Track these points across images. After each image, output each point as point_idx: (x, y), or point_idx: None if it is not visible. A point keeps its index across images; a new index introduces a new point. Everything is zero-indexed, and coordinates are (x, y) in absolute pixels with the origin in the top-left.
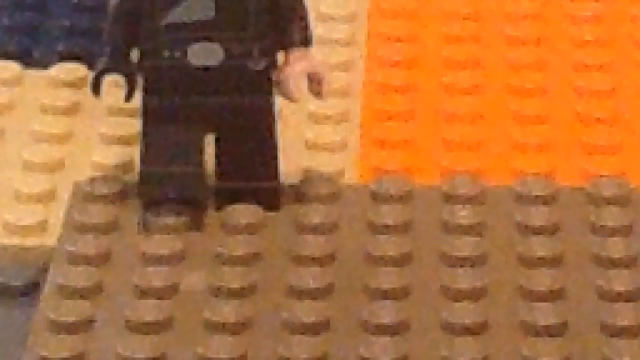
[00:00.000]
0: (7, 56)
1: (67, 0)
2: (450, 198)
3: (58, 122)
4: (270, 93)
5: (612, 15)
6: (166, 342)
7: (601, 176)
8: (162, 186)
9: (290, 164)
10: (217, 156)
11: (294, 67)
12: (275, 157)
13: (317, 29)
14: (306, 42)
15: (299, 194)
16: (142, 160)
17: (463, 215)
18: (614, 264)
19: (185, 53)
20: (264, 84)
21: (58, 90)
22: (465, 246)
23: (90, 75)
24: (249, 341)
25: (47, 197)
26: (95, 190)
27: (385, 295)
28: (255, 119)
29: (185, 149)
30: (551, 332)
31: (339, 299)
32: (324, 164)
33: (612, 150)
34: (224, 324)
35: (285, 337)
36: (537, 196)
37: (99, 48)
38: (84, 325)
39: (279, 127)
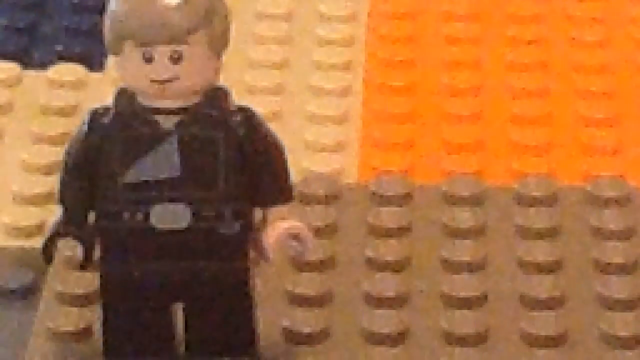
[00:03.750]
0: (6, 56)
1: (66, 1)
2: (450, 199)
3: (57, 123)
4: (245, 259)
5: (612, 16)
6: None
7: (601, 177)
8: None
9: (290, 164)
10: (186, 328)
11: (274, 229)
12: (253, 333)
13: (317, 29)
14: (286, 198)
15: (299, 194)
16: (105, 341)
17: (463, 217)
18: (614, 270)
19: (148, 215)
20: (238, 250)
21: (57, 91)
22: (465, 250)
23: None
24: None
25: (46, 198)
26: None
27: (383, 302)
28: (229, 289)
29: (152, 325)
30: (551, 342)
31: (337, 305)
32: (323, 164)
33: (612, 151)
34: None
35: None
36: (537, 197)
37: (99, 48)
38: (84, 333)
39: (258, 292)
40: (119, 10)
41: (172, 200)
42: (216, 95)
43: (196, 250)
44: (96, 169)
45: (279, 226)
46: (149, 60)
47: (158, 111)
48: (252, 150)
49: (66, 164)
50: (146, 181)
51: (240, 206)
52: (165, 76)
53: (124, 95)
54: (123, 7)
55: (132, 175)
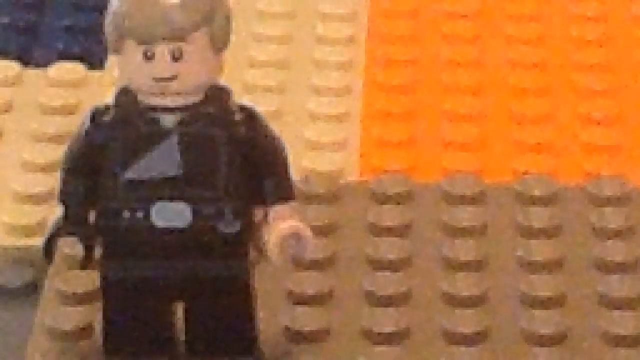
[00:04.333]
0: (6, 55)
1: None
2: (450, 198)
3: (57, 121)
4: (246, 258)
5: (612, 15)
6: None
7: (602, 176)
8: None
9: (291, 162)
10: (186, 327)
11: (276, 229)
12: (253, 333)
13: (317, 28)
14: (287, 197)
15: (299, 193)
16: (105, 341)
17: (463, 216)
18: (615, 268)
19: (148, 214)
20: (238, 249)
21: (57, 90)
22: (465, 249)
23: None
24: None
25: (46, 197)
26: None
27: (384, 301)
28: (230, 288)
29: (152, 324)
30: (552, 340)
31: (338, 304)
32: (324, 162)
33: (612, 150)
34: None
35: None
36: (537, 196)
37: (99, 47)
38: (84, 332)
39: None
40: (120, 8)
41: (172, 198)
42: (217, 94)
43: (196, 249)
44: (97, 167)
45: (280, 227)
46: (149, 58)
47: (159, 109)
48: (254, 149)
49: (67, 162)
50: (147, 179)
51: (241, 205)
52: (166, 74)
53: (125, 94)
54: (124, 5)
55: (132, 173)
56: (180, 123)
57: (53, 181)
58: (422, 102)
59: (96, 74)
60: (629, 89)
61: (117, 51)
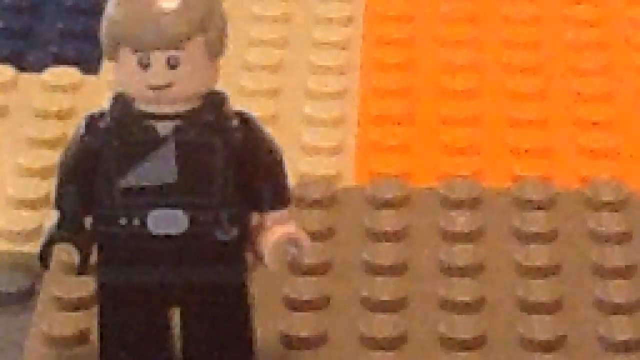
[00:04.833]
0: (1, 59)
1: (62, 3)
2: (447, 202)
3: (52, 126)
4: (243, 265)
5: (610, 18)
6: None
7: (599, 180)
8: None
9: (286, 167)
10: (183, 333)
11: (272, 234)
12: (250, 338)
13: (313, 32)
14: (284, 203)
15: (295, 197)
16: (102, 347)
17: (460, 220)
18: (612, 273)
19: (145, 221)
20: (235, 256)
21: (52, 94)
22: (462, 254)
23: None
24: None
25: (41, 202)
26: None
27: (381, 306)
28: (227, 294)
29: (149, 330)
30: (549, 346)
31: (335, 309)
32: (320, 167)
33: (610, 154)
34: None
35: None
36: (535, 200)
37: (94, 51)
38: (80, 338)
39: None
40: (114, 15)
41: (169, 206)
42: (213, 100)
43: (193, 255)
44: (93, 173)
45: (277, 232)
46: (145, 66)
47: (155, 117)
48: (250, 155)
49: (62, 168)
50: (143, 187)
51: (238, 211)
52: (161, 82)
53: (121, 100)
54: (119, 13)
55: (129, 181)
56: (177, 130)
57: (48, 186)
58: (419, 106)
59: (91, 78)
60: (627, 92)
61: (112, 58)
